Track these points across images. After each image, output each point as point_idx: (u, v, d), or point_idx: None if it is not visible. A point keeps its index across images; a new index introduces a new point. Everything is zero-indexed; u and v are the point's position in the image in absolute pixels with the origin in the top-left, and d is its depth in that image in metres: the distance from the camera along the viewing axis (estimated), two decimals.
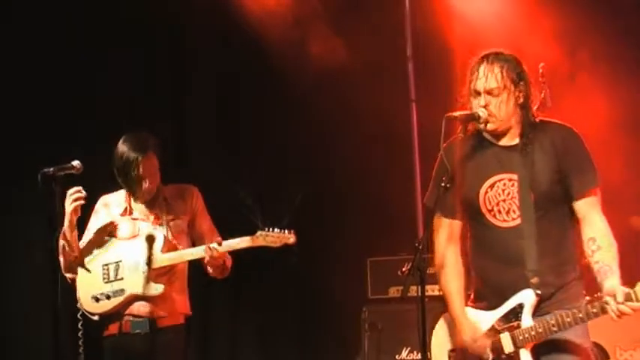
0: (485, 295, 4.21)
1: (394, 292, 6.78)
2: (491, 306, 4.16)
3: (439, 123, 4.13)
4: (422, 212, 6.96)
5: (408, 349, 6.54)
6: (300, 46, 7.13)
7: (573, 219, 4.14)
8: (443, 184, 4.08)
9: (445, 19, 7.04)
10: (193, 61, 7.69)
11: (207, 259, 5.12)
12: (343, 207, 7.46)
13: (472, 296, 4.28)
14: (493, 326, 4.12)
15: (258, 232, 5.09)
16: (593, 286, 4.05)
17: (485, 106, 4.12)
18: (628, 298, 3.78)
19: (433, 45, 7.11)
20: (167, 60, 7.54)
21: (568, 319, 3.92)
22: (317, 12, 7.27)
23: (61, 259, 5.16)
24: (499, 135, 4.18)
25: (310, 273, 6.99)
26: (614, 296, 3.81)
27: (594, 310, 3.88)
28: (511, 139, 4.18)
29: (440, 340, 4.31)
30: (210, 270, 5.26)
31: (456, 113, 4.16)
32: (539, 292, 4.04)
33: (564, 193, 4.11)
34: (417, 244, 4.11)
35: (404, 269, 6.63)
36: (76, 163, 4.87)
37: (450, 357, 4.27)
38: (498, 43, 6.45)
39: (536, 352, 4.04)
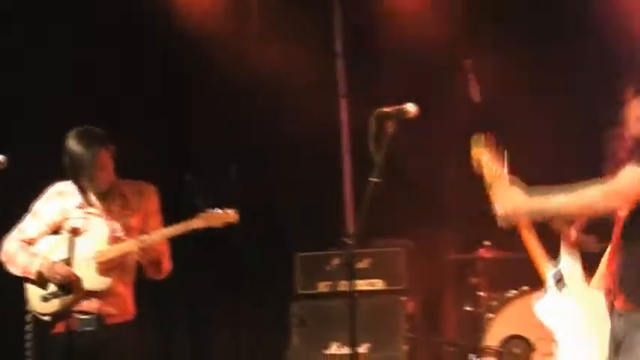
0: None
1: (323, 287, 6.80)
2: None
3: (369, 119, 4.15)
4: (351, 207, 7.00)
5: (337, 343, 6.58)
6: (229, 42, 7.12)
7: None
8: None
9: (375, 14, 7.09)
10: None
11: (139, 252, 5.03)
12: (272, 202, 7.46)
13: None
14: None
15: (198, 214, 5.02)
16: None
17: None
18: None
19: (363, 41, 7.15)
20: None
21: None
22: (246, 8, 7.28)
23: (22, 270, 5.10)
24: None
25: (238, 268, 6.98)
26: None
27: None
28: None
29: None
30: (146, 269, 5.17)
31: (386, 109, 4.18)
32: None
33: None
34: (345, 240, 4.13)
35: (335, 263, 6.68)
36: (0, 157, 4.71)
37: None
38: (428, 37, 6.69)
39: None
